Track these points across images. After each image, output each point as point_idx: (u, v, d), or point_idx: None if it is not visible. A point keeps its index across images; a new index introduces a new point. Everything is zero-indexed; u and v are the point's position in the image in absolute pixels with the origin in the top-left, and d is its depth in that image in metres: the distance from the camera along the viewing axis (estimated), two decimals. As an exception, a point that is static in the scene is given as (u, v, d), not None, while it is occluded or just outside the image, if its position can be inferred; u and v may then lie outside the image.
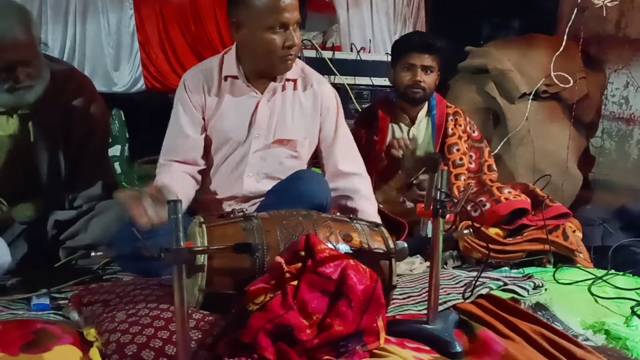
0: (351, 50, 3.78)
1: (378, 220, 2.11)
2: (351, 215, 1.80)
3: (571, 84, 3.29)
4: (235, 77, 2.09)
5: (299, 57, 2.30)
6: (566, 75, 3.30)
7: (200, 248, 1.43)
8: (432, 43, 2.56)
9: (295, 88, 2.15)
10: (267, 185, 2.12)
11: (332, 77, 3.44)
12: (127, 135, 3.90)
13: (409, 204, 2.56)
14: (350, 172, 2.21)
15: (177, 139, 2.09)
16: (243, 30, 1.99)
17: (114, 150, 3.75)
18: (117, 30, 4.11)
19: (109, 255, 1.83)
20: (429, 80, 2.57)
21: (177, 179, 2.00)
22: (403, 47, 2.61)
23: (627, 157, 3.48)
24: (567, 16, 3.38)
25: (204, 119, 2.10)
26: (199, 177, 2.12)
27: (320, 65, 3.24)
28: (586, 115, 3.53)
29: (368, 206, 2.18)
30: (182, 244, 1.19)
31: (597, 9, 3.16)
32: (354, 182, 2.19)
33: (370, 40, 4.38)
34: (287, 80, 2.13)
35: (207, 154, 2.13)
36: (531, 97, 3.34)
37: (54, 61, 2.21)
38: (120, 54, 4.12)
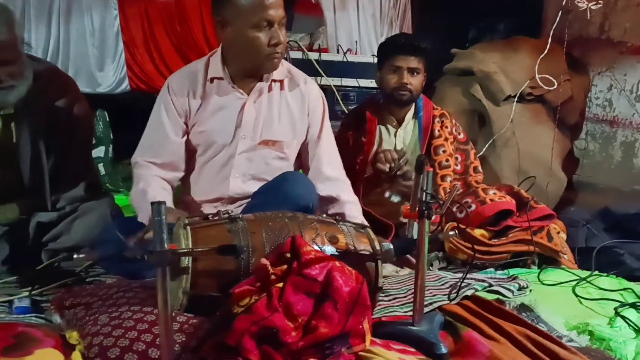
0: (337, 52, 3.79)
1: (364, 222, 2.10)
2: (337, 217, 1.80)
3: (555, 87, 3.31)
4: (221, 79, 2.07)
5: (285, 59, 2.29)
6: (550, 78, 3.32)
7: (184, 250, 1.42)
8: (418, 45, 2.57)
9: (282, 88, 2.14)
10: (254, 187, 2.11)
11: (319, 78, 3.44)
12: (112, 136, 3.87)
13: (395, 197, 2.54)
14: (332, 177, 2.20)
15: (157, 141, 2.07)
16: (228, 29, 1.98)
17: (98, 152, 3.73)
18: (101, 30, 4.08)
19: (91, 258, 1.81)
20: (415, 82, 2.58)
21: (158, 186, 2.01)
22: (389, 49, 2.62)
23: (611, 158, 3.52)
24: (552, 19, 3.40)
25: (186, 123, 2.08)
26: (175, 183, 2.12)
27: (306, 67, 3.24)
28: (570, 118, 3.56)
29: (354, 212, 2.17)
30: (166, 245, 1.18)
31: (582, 12, 3.19)
32: (335, 187, 2.18)
33: (356, 41, 4.39)
34: (274, 80, 2.12)
35: (190, 158, 2.12)
36: (516, 99, 3.36)
37: (37, 61, 2.19)
38: (104, 55, 4.10)
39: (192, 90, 2.07)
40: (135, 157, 2.09)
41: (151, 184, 2.00)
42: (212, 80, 2.08)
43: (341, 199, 2.16)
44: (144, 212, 1.93)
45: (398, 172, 2.52)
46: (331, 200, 2.17)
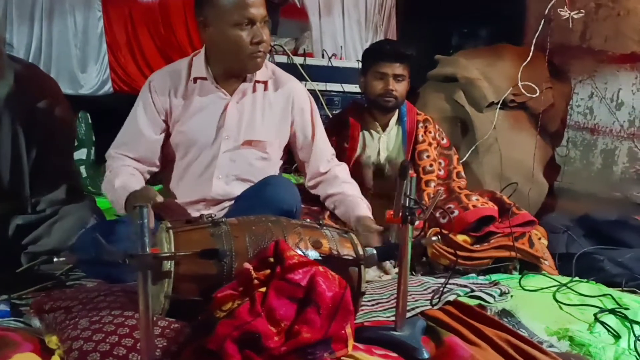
0: (322, 57, 3.79)
1: (369, 206, 2.15)
2: (321, 222, 1.80)
3: (538, 94, 3.35)
4: (204, 79, 2.07)
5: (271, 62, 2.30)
6: (533, 85, 3.36)
7: (166, 254, 1.41)
8: (403, 52, 2.59)
9: (265, 89, 2.14)
10: (237, 188, 2.10)
11: (304, 82, 3.45)
12: (94, 139, 3.83)
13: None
14: (334, 175, 2.25)
15: (133, 137, 2.07)
16: (210, 28, 1.98)
17: (80, 154, 3.70)
18: (84, 32, 4.05)
19: (71, 261, 1.79)
20: (400, 88, 2.59)
21: (127, 173, 2.01)
22: (374, 56, 2.63)
23: (591, 166, 3.56)
24: (534, 27, 3.44)
25: (165, 122, 2.07)
26: (147, 175, 2.11)
27: (291, 71, 3.22)
28: (552, 125, 3.60)
29: (355, 191, 2.23)
30: (147, 249, 1.17)
31: (564, 21, 3.23)
32: (337, 184, 2.23)
33: (341, 47, 4.41)
34: (257, 81, 2.12)
35: (171, 158, 2.11)
36: (499, 106, 3.39)
37: (18, 62, 2.16)
38: (87, 56, 4.07)
39: (174, 89, 2.06)
40: (109, 151, 2.09)
41: (120, 172, 1.99)
42: (195, 80, 2.07)
43: (351, 195, 2.19)
44: (115, 201, 1.94)
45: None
46: (338, 195, 2.19)
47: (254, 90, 2.12)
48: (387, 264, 2.16)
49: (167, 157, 2.12)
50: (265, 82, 2.14)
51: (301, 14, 3.95)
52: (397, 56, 2.57)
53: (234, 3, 1.92)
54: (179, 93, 2.07)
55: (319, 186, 2.25)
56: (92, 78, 4.08)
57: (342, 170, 2.29)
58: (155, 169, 2.11)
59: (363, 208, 2.11)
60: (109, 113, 3.88)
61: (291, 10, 3.86)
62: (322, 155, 2.25)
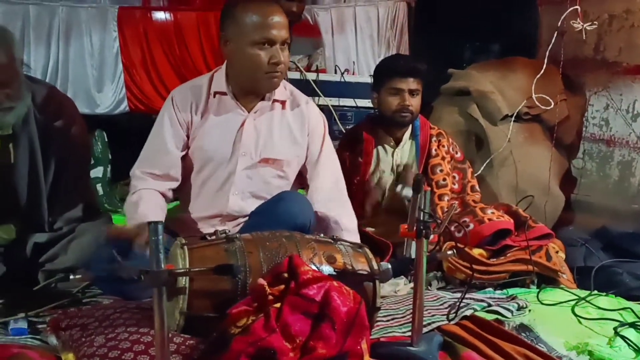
0: (335, 72, 3.81)
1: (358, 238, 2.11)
2: (335, 236, 1.79)
3: (552, 106, 3.33)
4: (224, 94, 2.09)
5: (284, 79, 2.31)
6: (547, 98, 3.34)
7: (181, 270, 1.42)
8: (417, 67, 2.59)
9: (283, 108, 2.16)
10: (252, 204, 2.11)
11: (316, 98, 3.46)
12: (110, 157, 3.87)
13: (407, 191, 2.54)
14: (331, 198, 2.18)
15: (158, 153, 2.08)
16: (231, 44, 2.01)
17: (96, 172, 3.73)
18: (100, 52, 4.11)
19: (88, 278, 1.80)
20: (415, 103, 2.59)
21: (154, 200, 2.02)
22: (388, 72, 2.62)
23: (608, 178, 3.51)
24: (547, 40, 3.43)
25: (187, 136, 2.09)
26: (171, 194, 2.12)
27: (304, 87, 3.26)
28: (567, 137, 3.57)
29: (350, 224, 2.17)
30: (162, 266, 1.17)
31: (577, 33, 3.21)
32: (334, 208, 2.15)
33: (354, 62, 4.42)
34: (276, 101, 2.14)
35: (188, 173, 2.12)
36: (513, 119, 3.38)
37: (35, 82, 2.20)
38: (103, 76, 4.13)
39: (195, 103, 2.09)
40: (133, 169, 2.10)
41: (144, 197, 2.00)
42: (214, 94, 2.09)
43: (340, 223, 2.14)
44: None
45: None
46: (328, 221, 2.15)
47: (272, 108, 2.13)
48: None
49: (185, 171, 2.13)
50: (283, 102, 2.15)
51: (314, 31, 3.97)
52: (411, 71, 2.57)
53: (256, 23, 1.95)
54: (200, 108, 2.09)
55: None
56: (108, 97, 4.13)
57: (344, 213, 2.20)
58: (176, 184, 2.12)
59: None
60: (125, 131, 3.93)
61: (304, 28, 3.88)
62: (326, 178, 2.20)
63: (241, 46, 1.98)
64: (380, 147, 2.70)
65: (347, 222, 2.15)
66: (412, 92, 2.57)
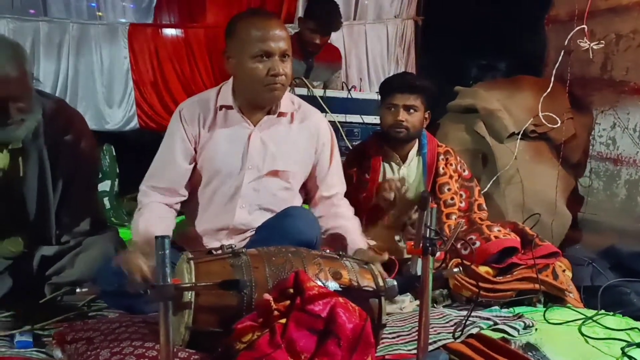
0: (342, 89, 3.83)
1: (364, 239, 2.12)
2: (341, 253, 1.79)
3: (559, 125, 3.33)
4: (230, 107, 2.11)
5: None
6: (554, 116, 3.35)
7: (187, 285, 1.42)
8: (412, 83, 2.60)
9: (291, 121, 2.17)
10: (259, 217, 2.11)
11: (324, 114, 3.47)
12: (117, 171, 3.89)
13: (403, 245, 2.57)
14: (338, 213, 2.21)
15: (166, 168, 2.09)
16: (232, 60, 2.03)
17: (104, 186, 3.75)
18: (110, 69, 4.15)
19: (94, 292, 1.80)
20: (412, 119, 2.59)
21: (158, 213, 2.02)
22: (387, 89, 2.66)
23: (615, 197, 3.50)
24: (554, 59, 3.45)
25: (195, 150, 2.10)
26: (178, 207, 2.13)
27: (310, 103, 3.28)
28: (574, 155, 3.57)
29: (353, 226, 2.19)
30: (168, 280, 1.18)
31: (584, 52, 3.23)
32: (341, 222, 2.18)
33: (360, 79, 4.45)
34: (282, 113, 2.15)
35: (194, 187, 2.13)
36: (519, 136, 3.38)
37: (45, 96, 2.22)
38: (113, 92, 4.16)
39: (203, 117, 2.10)
40: (142, 184, 2.11)
41: (144, 214, 2.00)
42: (221, 107, 2.11)
43: (347, 237, 2.15)
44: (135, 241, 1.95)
45: (408, 221, 2.55)
46: (335, 235, 2.16)
47: (278, 122, 2.15)
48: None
49: (192, 185, 2.14)
50: (289, 115, 2.17)
51: (334, 55, 3.94)
52: (406, 87, 2.58)
53: (254, 36, 1.97)
54: (207, 121, 2.11)
55: (320, 219, 2.19)
56: (118, 114, 4.16)
57: (346, 205, 2.28)
58: (183, 199, 2.13)
59: (362, 243, 2.09)
60: (134, 145, 3.95)
61: (328, 54, 3.87)
62: (329, 186, 2.24)
63: (241, 60, 2.00)
64: (386, 164, 2.71)
65: (354, 236, 2.15)
66: (407, 108, 2.58)
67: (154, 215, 1.99)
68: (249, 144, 2.09)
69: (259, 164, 2.10)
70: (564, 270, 2.55)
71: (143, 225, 1.93)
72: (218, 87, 2.18)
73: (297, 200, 2.22)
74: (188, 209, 2.18)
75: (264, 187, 2.11)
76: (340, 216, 2.20)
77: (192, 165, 2.11)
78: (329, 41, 3.84)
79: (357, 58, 4.67)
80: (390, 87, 2.64)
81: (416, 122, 2.61)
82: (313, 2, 3.79)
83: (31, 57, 3.80)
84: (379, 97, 2.80)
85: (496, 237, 2.43)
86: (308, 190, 2.28)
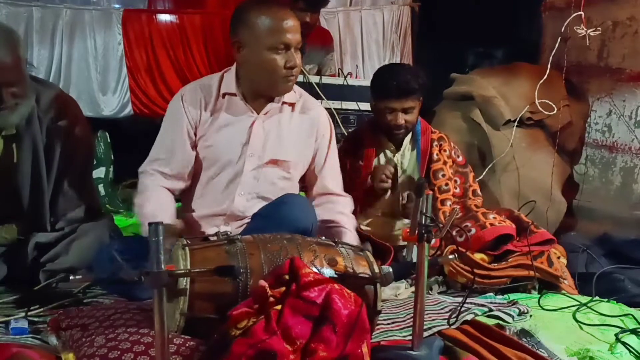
0: (338, 76, 3.81)
1: (356, 236, 2.17)
2: (336, 240, 1.79)
3: (555, 112, 3.33)
4: (234, 95, 2.10)
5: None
6: (550, 103, 3.34)
7: (181, 271, 1.42)
8: (412, 87, 2.50)
9: (292, 111, 2.18)
10: (257, 205, 2.12)
11: (319, 101, 3.45)
12: (112, 157, 3.87)
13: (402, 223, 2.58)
14: (335, 201, 2.26)
15: (167, 151, 2.09)
16: (246, 49, 2.02)
17: (99, 172, 3.72)
18: (104, 55, 4.11)
19: (88, 279, 1.80)
20: (410, 118, 2.56)
21: (162, 198, 2.03)
22: (383, 91, 2.56)
23: (610, 184, 3.51)
24: (551, 46, 3.42)
25: (195, 134, 2.10)
26: (178, 193, 2.14)
27: (306, 90, 3.26)
28: (570, 143, 3.56)
29: (351, 225, 2.22)
30: (162, 267, 1.17)
31: (580, 39, 3.21)
32: (337, 211, 2.23)
33: (357, 66, 4.42)
34: (285, 103, 2.15)
35: (196, 171, 2.13)
36: (515, 124, 3.37)
37: (39, 82, 2.21)
38: (107, 79, 4.13)
39: (205, 102, 2.10)
40: (143, 166, 2.11)
41: (151, 198, 2.01)
42: (224, 95, 2.10)
43: (342, 225, 2.17)
44: (143, 225, 1.99)
45: (405, 202, 2.54)
46: (330, 223, 2.17)
47: (281, 111, 2.15)
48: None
49: (193, 170, 2.14)
50: (292, 104, 2.17)
51: (326, 38, 3.91)
52: (405, 92, 2.50)
53: (272, 28, 1.97)
54: (209, 107, 2.10)
55: (317, 209, 2.21)
56: (113, 101, 4.13)
57: (344, 202, 2.29)
58: (186, 184, 2.13)
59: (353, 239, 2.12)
60: (128, 132, 3.93)
61: (318, 36, 3.83)
62: (326, 181, 2.27)
63: (257, 51, 1.99)
64: (380, 152, 2.69)
65: (349, 225, 2.17)
66: (406, 110, 2.54)
67: (159, 205, 2.01)
68: (252, 132, 2.09)
69: (260, 152, 2.10)
70: (558, 257, 2.55)
71: (150, 210, 1.96)
72: (220, 73, 2.17)
73: (295, 191, 2.23)
74: (185, 193, 2.18)
75: (264, 175, 2.12)
76: (336, 210, 2.22)
77: (195, 150, 2.11)
78: (319, 24, 3.80)
79: (352, 45, 4.63)
80: (387, 91, 2.53)
81: (414, 119, 2.59)
82: None
83: (25, 42, 3.77)
84: (371, 90, 2.70)
85: (492, 224, 2.43)
86: (304, 181, 2.28)
